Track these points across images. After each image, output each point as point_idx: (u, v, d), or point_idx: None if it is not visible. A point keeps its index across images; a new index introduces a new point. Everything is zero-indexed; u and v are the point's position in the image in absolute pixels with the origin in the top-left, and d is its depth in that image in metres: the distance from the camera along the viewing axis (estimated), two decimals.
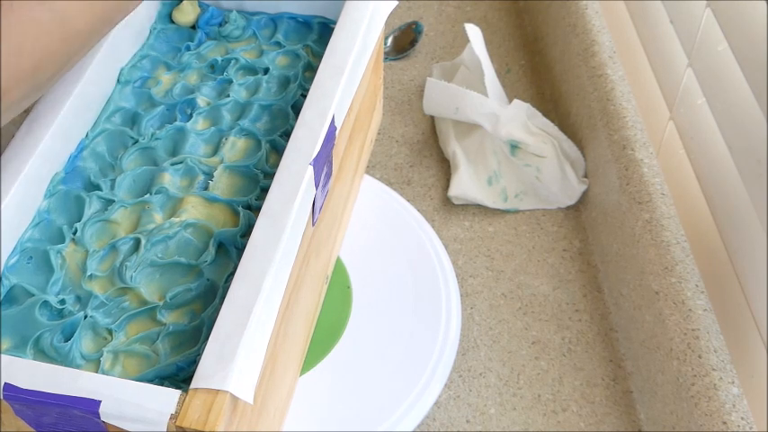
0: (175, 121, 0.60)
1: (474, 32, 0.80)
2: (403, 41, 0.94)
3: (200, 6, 0.68)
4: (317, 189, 0.53)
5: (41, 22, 0.43)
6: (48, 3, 0.43)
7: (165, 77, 0.63)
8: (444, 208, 0.78)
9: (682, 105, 0.67)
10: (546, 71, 0.90)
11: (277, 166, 0.52)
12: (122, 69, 0.62)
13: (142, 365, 0.47)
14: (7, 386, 0.42)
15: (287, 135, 0.58)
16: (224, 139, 0.59)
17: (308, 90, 0.57)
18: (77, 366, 0.47)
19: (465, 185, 0.76)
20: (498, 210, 0.78)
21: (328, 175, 0.56)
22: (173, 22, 0.67)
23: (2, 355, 0.43)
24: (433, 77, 0.79)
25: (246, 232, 0.52)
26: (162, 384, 0.44)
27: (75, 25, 0.45)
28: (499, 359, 0.67)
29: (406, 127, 0.85)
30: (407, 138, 0.84)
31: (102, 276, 0.51)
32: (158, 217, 0.54)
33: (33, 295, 0.50)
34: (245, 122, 0.60)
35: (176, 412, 0.41)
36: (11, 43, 0.42)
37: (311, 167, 0.51)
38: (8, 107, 0.44)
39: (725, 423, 0.53)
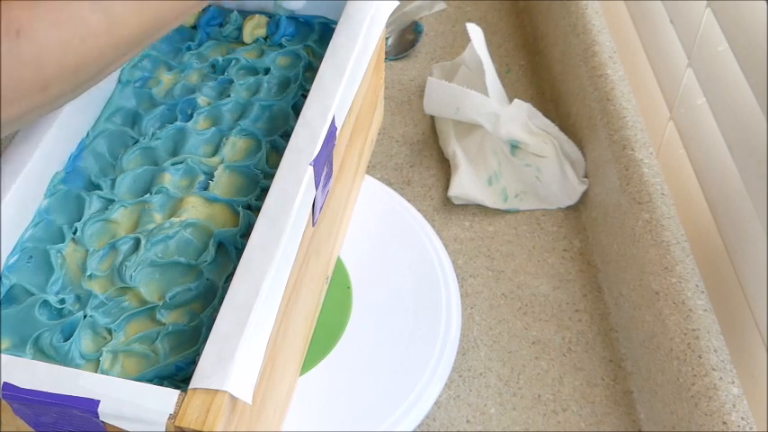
0: (176, 120, 0.60)
1: (475, 32, 0.80)
2: (403, 41, 0.94)
3: None
4: (317, 189, 0.53)
5: (90, 23, 0.44)
6: (99, 5, 0.44)
7: (166, 77, 0.64)
8: (444, 208, 0.78)
9: (682, 105, 0.67)
10: (546, 71, 0.90)
11: (277, 166, 0.52)
12: (123, 69, 0.62)
13: (141, 365, 0.47)
14: (6, 385, 0.42)
15: (287, 135, 0.58)
16: (224, 139, 0.59)
17: (308, 90, 0.57)
18: (77, 366, 0.47)
19: (465, 185, 0.76)
20: (498, 210, 0.78)
21: (328, 176, 0.56)
22: None
23: (1, 355, 0.43)
24: (433, 77, 0.79)
25: (246, 232, 0.52)
26: (161, 384, 0.44)
27: (121, 31, 0.46)
28: (499, 359, 0.67)
29: (406, 127, 0.85)
30: (407, 138, 0.84)
31: (101, 276, 0.51)
32: (158, 217, 0.54)
33: (33, 294, 0.50)
34: (245, 122, 0.60)
35: (175, 412, 0.41)
36: (59, 38, 0.43)
37: (311, 168, 0.51)
38: (47, 102, 0.45)
39: (725, 423, 0.53)
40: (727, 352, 0.57)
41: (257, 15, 0.67)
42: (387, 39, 0.93)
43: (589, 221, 0.76)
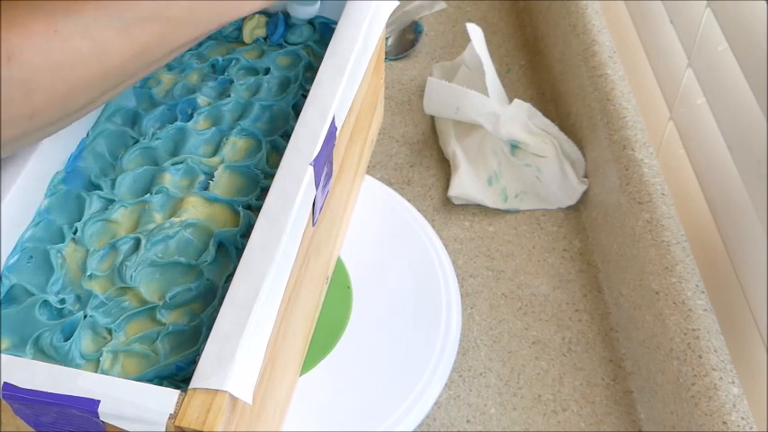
0: (176, 120, 0.60)
1: (475, 32, 0.80)
2: (403, 41, 0.94)
3: None
4: (317, 189, 0.53)
5: (81, 51, 0.44)
6: (89, 34, 0.44)
7: (166, 77, 0.64)
8: (444, 208, 0.78)
9: (682, 105, 0.67)
10: (546, 71, 0.90)
11: (277, 166, 0.52)
12: None
13: (141, 365, 0.47)
14: (6, 385, 0.42)
15: (287, 135, 0.58)
16: (225, 139, 0.59)
17: (308, 90, 0.57)
18: (77, 366, 0.47)
19: (465, 185, 0.76)
20: (498, 210, 0.78)
21: (329, 176, 0.56)
22: None
23: (1, 355, 0.43)
24: (433, 77, 0.79)
25: (246, 232, 0.52)
26: (161, 384, 0.44)
27: (111, 61, 0.46)
28: (499, 359, 0.67)
29: (406, 127, 0.85)
30: (407, 138, 0.84)
31: (102, 276, 0.51)
32: (159, 217, 0.54)
33: (33, 295, 0.50)
34: (245, 122, 0.60)
35: (175, 412, 0.41)
36: (49, 64, 0.43)
37: (311, 168, 0.51)
38: (34, 129, 0.45)
39: (725, 423, 0.53)
40: (727, 352, 0.57)
41: (257, 15, 0.67)
42: (387, 39, 0.93)
43: (589, 221, 0.76)
